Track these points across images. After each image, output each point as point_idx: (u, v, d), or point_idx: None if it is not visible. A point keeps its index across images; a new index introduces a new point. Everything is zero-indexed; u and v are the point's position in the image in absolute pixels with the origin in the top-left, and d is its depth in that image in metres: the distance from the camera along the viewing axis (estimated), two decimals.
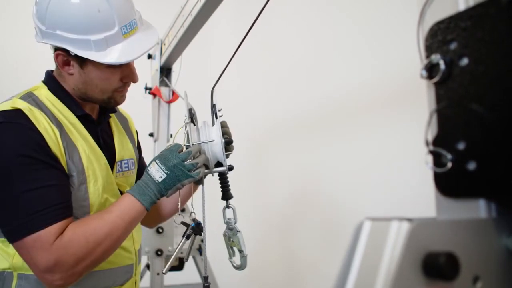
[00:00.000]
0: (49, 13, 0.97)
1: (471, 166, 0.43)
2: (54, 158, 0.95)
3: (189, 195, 1.20)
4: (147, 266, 2.09)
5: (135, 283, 1.20)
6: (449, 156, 0.45)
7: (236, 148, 1.14)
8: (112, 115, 1.23)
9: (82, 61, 1.01)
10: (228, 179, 1.15)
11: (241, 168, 1.47)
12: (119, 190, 1.13)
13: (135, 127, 1.35)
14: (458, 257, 0.38)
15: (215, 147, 1.05)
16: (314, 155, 2.10)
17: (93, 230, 0.93)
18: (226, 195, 1.14)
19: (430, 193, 0.49)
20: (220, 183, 1.15)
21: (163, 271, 1.08)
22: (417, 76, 0.49)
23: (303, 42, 2.25)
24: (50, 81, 1.08)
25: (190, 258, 2.11)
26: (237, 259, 1.15)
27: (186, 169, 0.99)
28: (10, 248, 0.96)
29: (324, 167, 2.02)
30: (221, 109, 1.09)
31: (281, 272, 2.39)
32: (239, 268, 1.14)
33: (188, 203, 1.21)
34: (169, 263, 1.06)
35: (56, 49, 1.01)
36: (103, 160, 1.08)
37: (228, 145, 1.07)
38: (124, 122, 1.29)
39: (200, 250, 2.11)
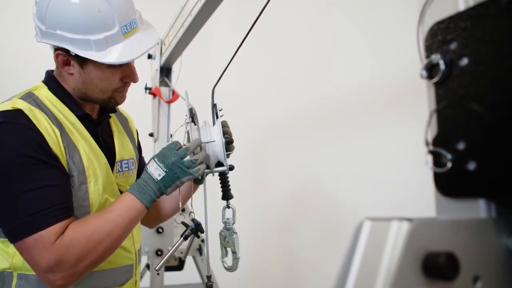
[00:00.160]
0: (49, 13, 0.97)
1: (471, 166, 0.43)
2: (55, 158, 0.95)
3: (189, 194, 1.19)
4: (147, 266, 2.09)
5: (135, 283, 1.19)
6: (449, 156, 0.45)
7: (236, 148, 1.14)
8: (112, 115, 1.23)
9: (82, 61, 1.01)
10: (229, 179, 1.15)
11: (241, 168, 1.47)
12: (119, 190, 1.13)
13: (135, 127, 1.35)
14: (458, 257, 0.38)
15: (216, 147, 1.04)
16: (314, 155, 2.10)
17: (94, 229, 0.93)
18: (227, 195, 1.14)
19: (430, 193, 0.49)
20: (221, 183, 1.14)
21: (156, 268, 1.08)
22: (417, 76, 0.49)
23: (303, 42, 2.25)
24: (50, 81, 1.08)
25: (190, 258, 2.11)
26: (229, 260, 1.14)
27: (184, 166, 0.98)
28: (10, 248, 0.96)
29: (324, 167, 2.03)
30: (221, 109, 1.09)
31: (281, 272, 2.39)
32: (230, 269, 1.14)
33: (188, 203, 1.21)
34: (163, 261, 1.06)
35: (56, 49, 1.01)
36: (103, 160, 1.08)
37: (228, 145, 1.07)
38: (124, 122, 1.29)
39: (200, 250, 2.10)
